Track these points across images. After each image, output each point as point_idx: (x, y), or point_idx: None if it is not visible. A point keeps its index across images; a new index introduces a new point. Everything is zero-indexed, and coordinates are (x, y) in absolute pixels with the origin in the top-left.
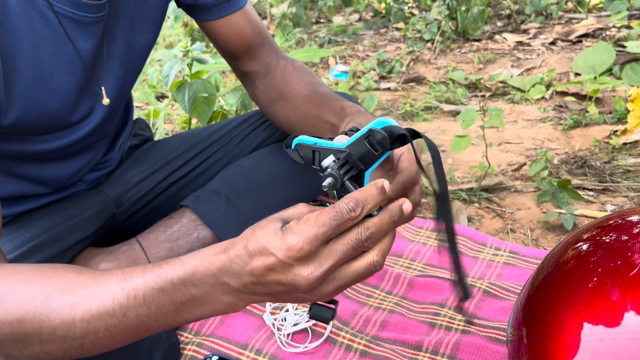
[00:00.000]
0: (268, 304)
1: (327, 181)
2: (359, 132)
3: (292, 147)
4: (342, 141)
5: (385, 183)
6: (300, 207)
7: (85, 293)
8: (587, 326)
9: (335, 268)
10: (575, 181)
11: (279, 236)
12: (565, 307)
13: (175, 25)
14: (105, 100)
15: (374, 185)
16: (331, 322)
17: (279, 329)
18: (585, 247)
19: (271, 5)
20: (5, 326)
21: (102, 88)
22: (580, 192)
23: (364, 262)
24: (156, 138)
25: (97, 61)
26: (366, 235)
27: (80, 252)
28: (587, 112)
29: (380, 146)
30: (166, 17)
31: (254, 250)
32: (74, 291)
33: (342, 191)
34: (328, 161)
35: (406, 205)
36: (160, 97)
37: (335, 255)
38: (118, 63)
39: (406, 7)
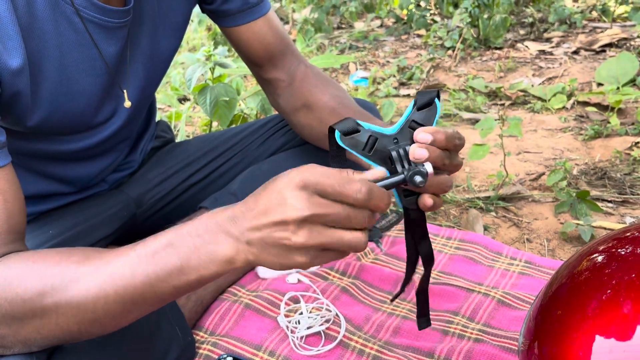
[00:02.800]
0: (283, 306)
1: (417, 178)
2: (402, 117)
3: (339, 132)
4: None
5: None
6: (320, 168)
7: (100, 262)
8: (598, 338)
9: (324, 218)
10: (594, 192)
11: (285, 174)
12: (577, 318)
13: (198, 28)
14: (127, 103)
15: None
16: (344, 326)
17: (292, 332)
18: (600, 258)
19: (293, 10)
20: (26, 302)
21: (125, 91)
22: (599, 204)
23: (350, 234)
24: (177, 140)
25: (121, 65)
26: (360, 220)
27: None
28: (609, 122)
29: (423, 126)
30: (190, 21)
31: (259, 191)
32: (90, 262)
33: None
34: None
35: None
36: (183, 100)
37: (331, 208)
38: (141, 67)
39: (428, 14)
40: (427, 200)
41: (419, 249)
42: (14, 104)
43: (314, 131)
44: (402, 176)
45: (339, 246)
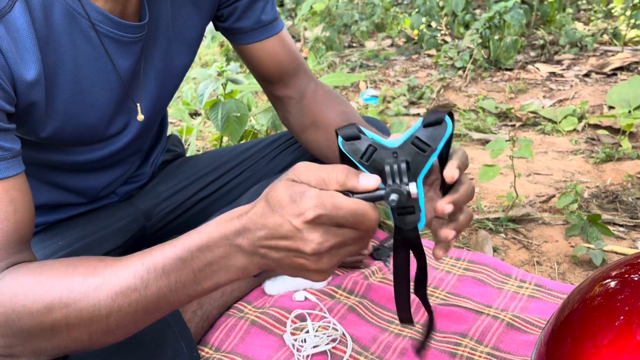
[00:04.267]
0: (289, 324)
1: (393, 197)
2: (406, 132)
3: (341, 136)
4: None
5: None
6: (317, 169)
7: (107, 273)
8: None
9: (341, 245)
10: (605, 216)
11: (297, 200)
12: (590, 345)
13: (211, 44)
14: (140, 117)
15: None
16: (350, 346)
17: (298, 350)
18: (612, 284)
19: (305, 29)
20: (34, 315)
21: (138, 105)
22: (611, 228)
23: (357, 247)
24: (188, 154)
25: (134, 79)
26: (371, 236)
27: None
28: (620, 146)
29: (426, 145)
30: (203, 37)
31: (270, 212)
32: (97, 274)
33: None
34: (387, 169)
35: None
36: (194, 115)
37: (344, 236)
38: (154, 82)
39: (439, 35)
40: (441, 203)
41: (416, 285)
42: (29, 114)
43: (321, 148)
44: (381, 193)
45: (350, 255)
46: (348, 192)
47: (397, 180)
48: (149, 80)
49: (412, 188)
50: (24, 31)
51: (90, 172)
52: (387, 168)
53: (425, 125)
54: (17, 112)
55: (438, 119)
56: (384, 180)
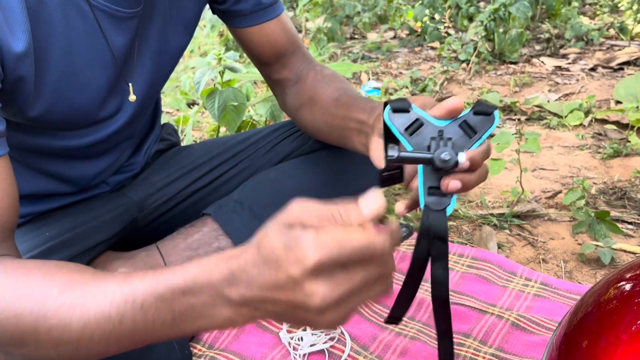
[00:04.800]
0: None
1: (444, 156)
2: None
3: (391, 108)
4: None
5: None
6: (314, 208)
7: (83, 293)
8: None
9: (351, 294)
10: (613, 213)
11: (293, 249)
12: (606, 351)
13: (211, 34)
14: (132, 97)
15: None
16: (349, 345)
17: (294, 349)
18: (628, 287)
19: (307, 20)
20: (2, 322)
21: (130, 85)
22: (619, 225)
23: (376, 290)
24: (183, 144)
25: (129, 58)
26: (388, 272)
27: (99, 256)
28: (628, 141)
29: (474, 131)
30: (202, 26)
31: (262, 263)
32: (74, 289)
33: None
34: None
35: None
36: (192, 104)
37: (353, 281)
38: (149, 62)
39: (442, 27)
40: (446, 179)
41: (432, 271)
42: (17, 91)
43: (317, 124)
44: (429, 155)
45: (367, 300)
46: (392, 155)
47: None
48: (144, 60)
49: (462, 157)
50: (15, 3)
51: (80, 159)
52: (433, 143)
53: (475, 112)
54: (5, 88)
55: (488, 111)
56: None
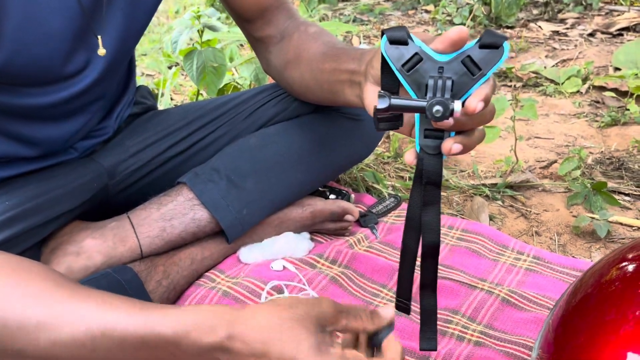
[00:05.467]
0: (264, 296)
1: (437, 108)
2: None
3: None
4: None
5: None
6: (334, 310)
7: (57, 311)
8: (631, 357)
9: None
10: (610, 184)
11: None
12: (607, 334)
13: None
14: (101, 51)
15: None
16: None
17: None
18: (631, 267)
19: None
20: None
21: (99, 37)
22: (615, 196)
23: None
24: (161, 108)
25: (97, 8)
26: None
27: (66, 226)
28: (627, 109)
29: (477, 67)
30: None
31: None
32: (47, 306)
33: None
34: (430, 80)
35: None
36: (175, 67)
37: None
38: (120, 14)
39: None
40: (447, 143)
41: (422, 217)
42: None
43: (305, 82)
44: (423, 103)
45: None
46: (385, 94)
47: (438, 94)
48: (114, 12)
49: (457, 106)
50: None
51: (45, 120)
52: (431, 82)
53: (482, 45)
54: None
55: (496, 43)
56: (423, 94)
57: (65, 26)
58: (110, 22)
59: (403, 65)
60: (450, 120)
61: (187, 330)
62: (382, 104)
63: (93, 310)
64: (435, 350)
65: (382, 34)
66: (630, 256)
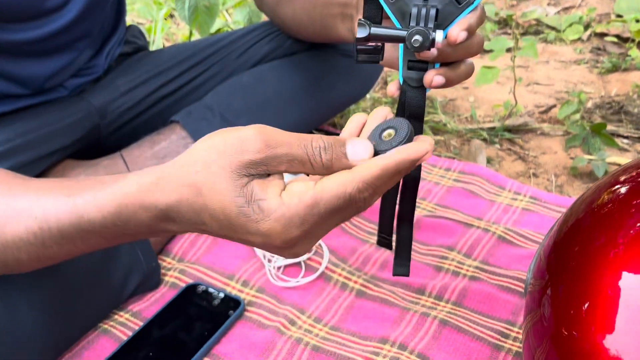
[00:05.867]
0: None
1: (417, 37)
2: None
3: None
4: None
5: (429, 143)
6: (282, 144)
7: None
8: (627, 276)
9: (322, 234)
10: (609, 127)
11: (254, 220)
12: (601, 254)
13: None
14: None
15: (396, 165)
16: (327, 257)
17: (269, 261)
18: (623, 189)
19: None
20: None
21: None
22: (614, 139)
23: (351, 212)
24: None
25: None
26: (364, 208)
27: (58, 164)
28: (628, 55)
29: None
30: None
31: (210, 221)
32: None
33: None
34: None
35: (422, 149)
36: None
37: (327, 230)
38: None
39: None
40: (429, 74)
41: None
42: None
43: (298, 18)
44: (403, 32)
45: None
46: (365, 22)
47: (422, 25)
48: None
49: (439, 36)
50: None
51: (30, 56)
52: (414, 10)
53: None
54: None
55: None
56: (407, 24)
57: None
58: None
59: None
60: (433, 51)
61: (120, 204)
62: (361, 33)
63: (27, 204)
64: (407, 275)
65: None
66: (622, 179)
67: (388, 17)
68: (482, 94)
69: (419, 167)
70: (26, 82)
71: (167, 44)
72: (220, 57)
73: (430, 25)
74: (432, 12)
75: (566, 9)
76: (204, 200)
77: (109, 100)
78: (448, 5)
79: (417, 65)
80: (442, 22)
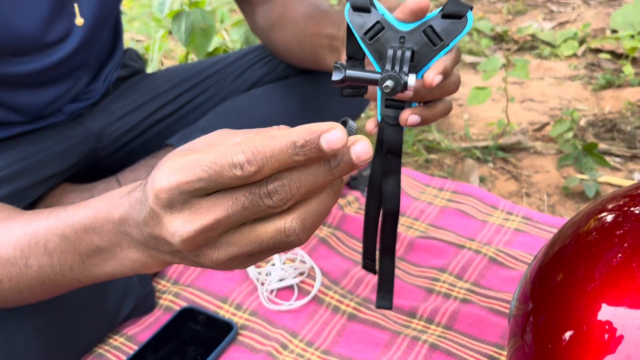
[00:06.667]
0: None
1: (388, 83)
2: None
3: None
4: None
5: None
6: (241, 135)
7: None
8: (606, 309)
9: (218, 227)
10: (602, 146)
11: (152, 175)
12: (582, 285)
13: None
14: (79, 20)
15: (290, 139)
16: (319, 280)
17: (262, 284)
18: (609, 218)
19: None
20: None
21: (75, 5)
22: (606, 158)
23: (270, 227)
24: (149, 71)
25: None
26: (267, 190)
27: (55, 188)
28: (622, 72)
29: (439, 38)
30: None
31: (149, 194)
32: None
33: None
34: (389, 51)
35: (359, 148)
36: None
37: (216, 211)
38: None
39: None
40: (404, 114)
41: (383, 186)
42: None
43: (289, 46)
44: (377, 76)
45: (267, 251)
46: (341, 65)
47: (397, 68)
48: None
49: (411, 80)
50: None
51: (29, 87)
52: (390, 52)
53: (444, 15)
54: None
55: (459, 13)
56: (383, 65)
57: None
58: None
59: (365, 34)
60: (409, 92)
61: (97, 208)
62: (336, 76)
63: (18, 225)
64: (390, 309)
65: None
66: (609, 207)
67: None
68: (476, 112)
69: (398, 201)
70: (24, 110)
71: (165, 61)
72: (215, 81)
73: (405, 67)
74: (407, 54)
75: (561, 24)
76: (148, 181)
77: (106, 124)
78: (424, 47)
79: (394, 103)
80: (418, 63)
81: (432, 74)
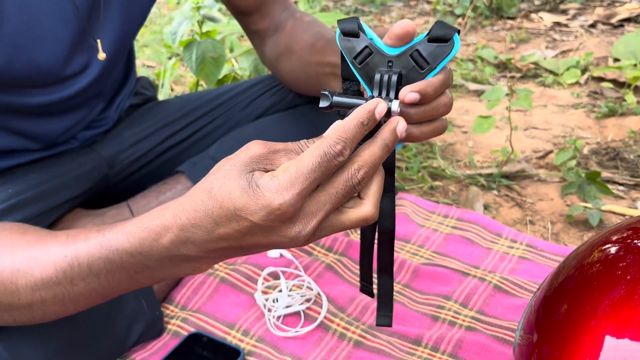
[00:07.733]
0: (260, 282)
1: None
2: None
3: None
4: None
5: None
6: (264, 148)
7: (26, 257)
8: (609, 341)
9: (324, 220)
10: (605, 174)
11: (253, 196)
12: (586, 317)
13: None
14: (102, 55)
15: (357, 119)
16: (326, 306)
17: (269, 310)
18: (613, 250)
19: None
20: None
21: (98, 41)
22: (610, 186)
23: (355, 215)
24: (161, 99)
25: (94, 11)
26: (358, 179)
27: (68, 213)
28: (625, 100)
29: (425, 62)
30: None
31: (220, 216)
32: (14, 253)
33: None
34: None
35: (400, 126)
36: (175, 57)
37: (323, 208)
38: (117, 14)
39: None
40: (404, 90)
41: (379, 205)
42: None
43: (295, 75)
44: (362, 102)
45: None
46: (328, 92)
47: (384, 93)
48: (111, 14)
49: (394, 105)
50: None
51: (46, 116)
52: (377, 77)
53: (430, 39)
54: None
55: (445, 36)
56: (371, 88)
57: (62, 30)
58: (108, 24)
59: (355, 58)
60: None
61: (141, 238)
62: (323, 103)
63: (57, 248)
64: (390, 326)
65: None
66: (613, 239)
67: None
68: (481, 139)
69: (393, 220)
70: (40, 138)
71: (175, 87)
72: (225, 110)
73: (392, 92)
74: (394, 78)
75: (564, 52)
76: (215, 197)
77: (118, 151)
78: (411, 71)
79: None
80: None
81: (406, 91)
